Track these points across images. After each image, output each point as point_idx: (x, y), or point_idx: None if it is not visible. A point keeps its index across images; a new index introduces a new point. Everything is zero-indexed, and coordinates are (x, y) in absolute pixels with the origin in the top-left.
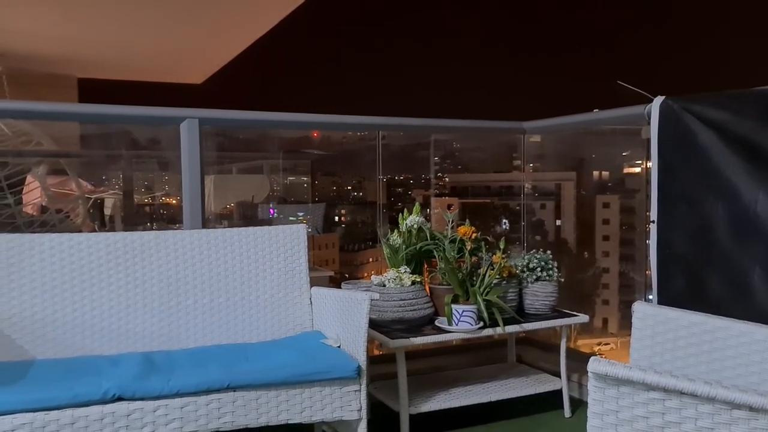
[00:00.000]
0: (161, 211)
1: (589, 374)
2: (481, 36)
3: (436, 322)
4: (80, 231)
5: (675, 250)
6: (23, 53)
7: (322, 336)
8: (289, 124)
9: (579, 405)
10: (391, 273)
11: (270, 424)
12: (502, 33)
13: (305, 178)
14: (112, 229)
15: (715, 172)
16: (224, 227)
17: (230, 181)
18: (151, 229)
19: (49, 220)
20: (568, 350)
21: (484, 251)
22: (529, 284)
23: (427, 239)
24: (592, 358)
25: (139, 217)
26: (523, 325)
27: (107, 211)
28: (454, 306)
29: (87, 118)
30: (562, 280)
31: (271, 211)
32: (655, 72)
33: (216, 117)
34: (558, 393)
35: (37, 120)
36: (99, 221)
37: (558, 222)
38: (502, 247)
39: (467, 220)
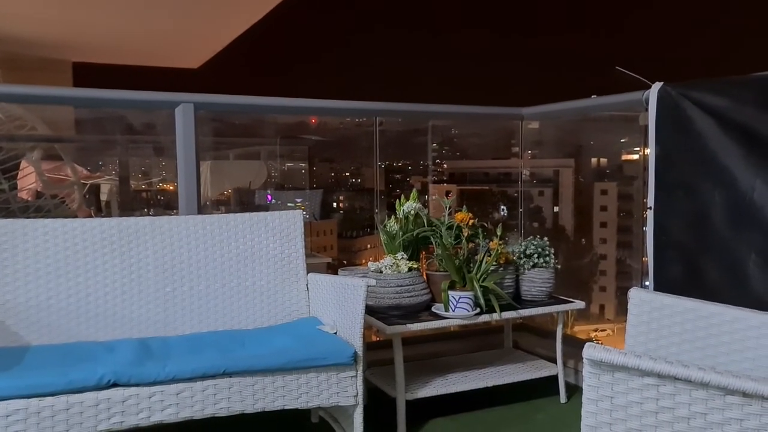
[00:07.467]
0: (158, 197)
1: (585, 360)
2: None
3: (433, 309)
4: (75, 217)
5: (671, 237)
6: (17, 37)
7: (319, 322)
8: (286, 110)
9: (575, 390)
10: (388, 259)
11: (266, 409)
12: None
13: (303, 164)
14: (108, 215)
15: (712, 158)
16: (221, 213)
17: (227, 166)
18: (148, 215)
19: (44, 206)
20: (565, 336)
21: (481, 238)
22: (526, 271)
23: (424, 225)
24: (587, 344)
25: (135, 202)
26: (519, 311)
27: (103, 197)
28: (450, 292)
29: (81, 102)
30: (559, 266)
31: (269, 197)
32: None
33: (211, 102)
34: (554, 379)
35: (31, 104)
36: (95, 207)
37: (556, 209)
38: (499, 233)
39: (464, 206)
